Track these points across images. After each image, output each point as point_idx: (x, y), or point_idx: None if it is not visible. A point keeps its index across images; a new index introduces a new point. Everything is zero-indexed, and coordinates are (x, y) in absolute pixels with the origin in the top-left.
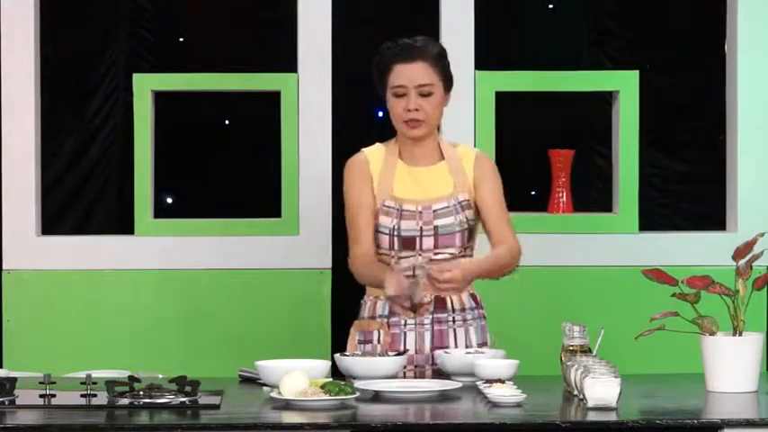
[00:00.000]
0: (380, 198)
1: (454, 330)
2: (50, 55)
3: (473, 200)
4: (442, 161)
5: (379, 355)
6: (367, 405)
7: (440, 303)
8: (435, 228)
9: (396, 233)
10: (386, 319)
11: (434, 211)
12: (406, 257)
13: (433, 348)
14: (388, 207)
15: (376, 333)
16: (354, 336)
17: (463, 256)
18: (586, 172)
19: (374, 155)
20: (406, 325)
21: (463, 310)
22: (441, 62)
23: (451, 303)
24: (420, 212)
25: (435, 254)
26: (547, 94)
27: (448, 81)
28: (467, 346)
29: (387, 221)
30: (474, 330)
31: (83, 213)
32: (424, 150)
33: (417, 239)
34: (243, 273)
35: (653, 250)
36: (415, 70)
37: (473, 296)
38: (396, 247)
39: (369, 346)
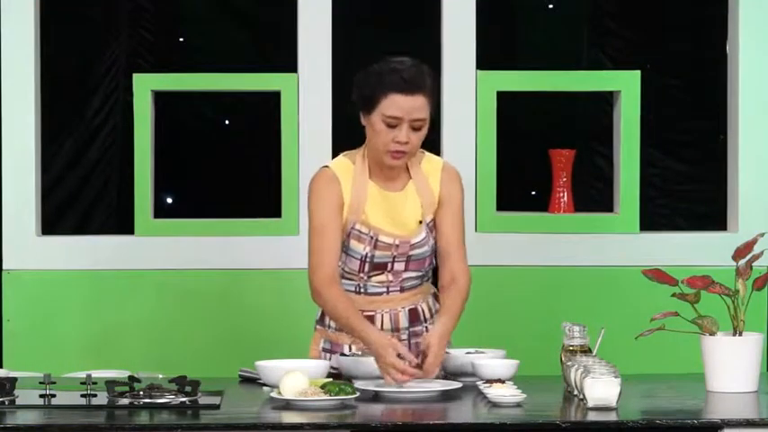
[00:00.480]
0: (351, 220)
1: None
2: (50, 55)
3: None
4: (410, 181)
5: None
6: (367, 405)
7: (413, 316)
8: (410, 256)
9: (368, 260)
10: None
11: (412, 244)
12: (375, 275)
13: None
14: (360, 232)
15: (347, 347)
16: (319, 342)
17: (427, 272)
18: (587, 172)
19: (342, 171)
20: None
21: (432, 316)
22: (434, 94)
23: (423, 314)
24: (397, 245)
25: (405, 272)
26: (548, 93)
27: (433, 112)
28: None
29: (359, 247)
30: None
31: (83, 213)
32: (396, 172)
33: (389, 264)
34: (243, 273)
35: (653, 250)
36: (414, 104)
37: (435, 296)
38: (366, 270)
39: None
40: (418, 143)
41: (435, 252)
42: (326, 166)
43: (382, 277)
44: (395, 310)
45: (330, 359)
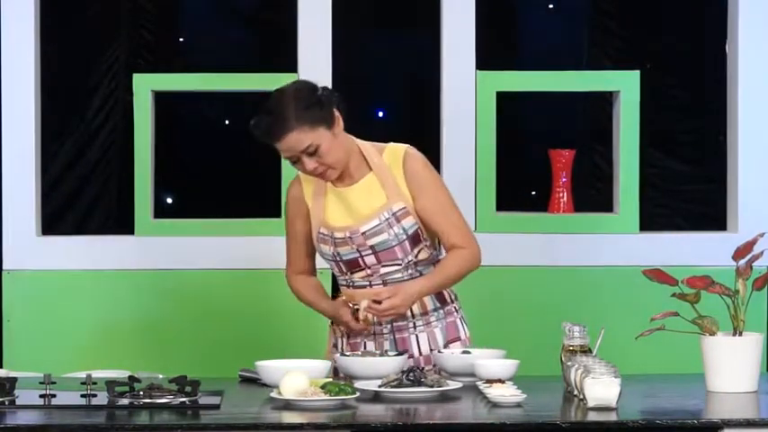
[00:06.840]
0: (316, 226)
1: (416, 336)
2: (50, 55)
3: (411, 206)
4: (369, 173)
5: (380, 355)
6: (367, 405)
7: None
8: (371, 247)
9: (338, 258)
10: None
11: (363, 233)
12: (357, 272)
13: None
14: (323, 235)
15: (339, 340)
16: (330, 340)
17: (415, 263)
18: (587, 172)
19: (308, 179)
20: (366, 335)
21: (425, 313)
22: (310, 115)
23: (411, 310)
24: (350, 237)
25: (383, 266)
26: (548, 94)
27: (328, 120)
28: (431, 350)
29: (326, 249)
30: (440, 331)
31: (83, 213)
32: (349, 170)
33: (359, 260)
34: (243, 273)
35: (653, 250)
36: (289, 143)
37: (438, 296)
38: (344, 269)
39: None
40: (332, 156)
41: (411, 240)
42: (297, 176)
43: (363, 273)
44: None
45: (340, 353)
